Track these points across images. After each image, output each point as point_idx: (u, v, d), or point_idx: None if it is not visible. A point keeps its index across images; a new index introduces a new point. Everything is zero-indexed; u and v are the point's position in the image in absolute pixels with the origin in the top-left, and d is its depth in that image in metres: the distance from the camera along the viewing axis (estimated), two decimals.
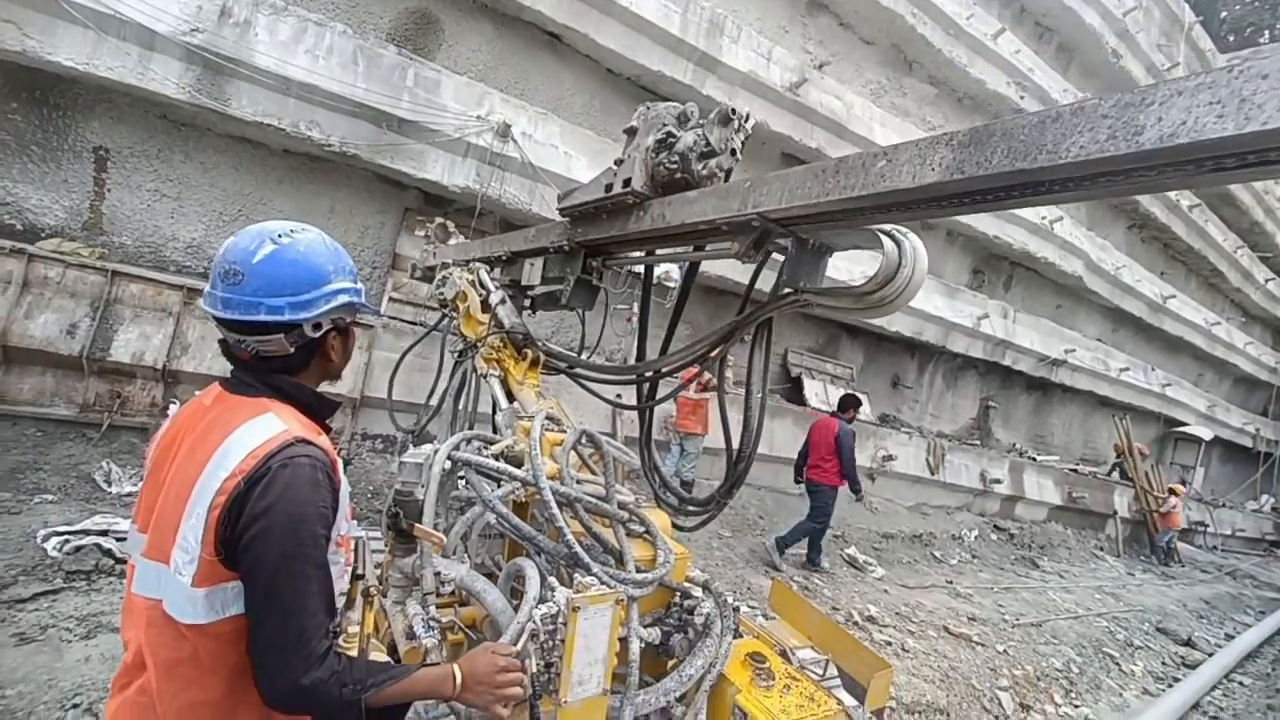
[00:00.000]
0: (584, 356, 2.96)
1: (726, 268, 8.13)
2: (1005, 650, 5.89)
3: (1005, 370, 13.53)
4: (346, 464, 6.01)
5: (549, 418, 2.14)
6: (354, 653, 1.39)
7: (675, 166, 1.84)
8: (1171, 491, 13.29)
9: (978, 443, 13.46)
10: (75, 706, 2.63)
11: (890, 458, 10.63)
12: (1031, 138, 0.99)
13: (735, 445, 2.08)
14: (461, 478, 1.95)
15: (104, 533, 3.86)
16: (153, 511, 1.18)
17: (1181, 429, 17.91)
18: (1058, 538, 12.13)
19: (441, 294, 3.01)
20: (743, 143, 1.88)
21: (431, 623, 1.56)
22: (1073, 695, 5.57)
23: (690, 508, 2.32)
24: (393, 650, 1.69)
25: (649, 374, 2.44)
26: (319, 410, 1.31)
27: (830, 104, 9.15)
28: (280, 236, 1.23)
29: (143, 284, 5.55)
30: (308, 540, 1.10)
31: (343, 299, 1.26)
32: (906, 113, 10.87)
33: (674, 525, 2.37)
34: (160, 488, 1.18)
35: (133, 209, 6.36)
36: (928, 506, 11.32)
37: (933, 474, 11.27)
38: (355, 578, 1.43)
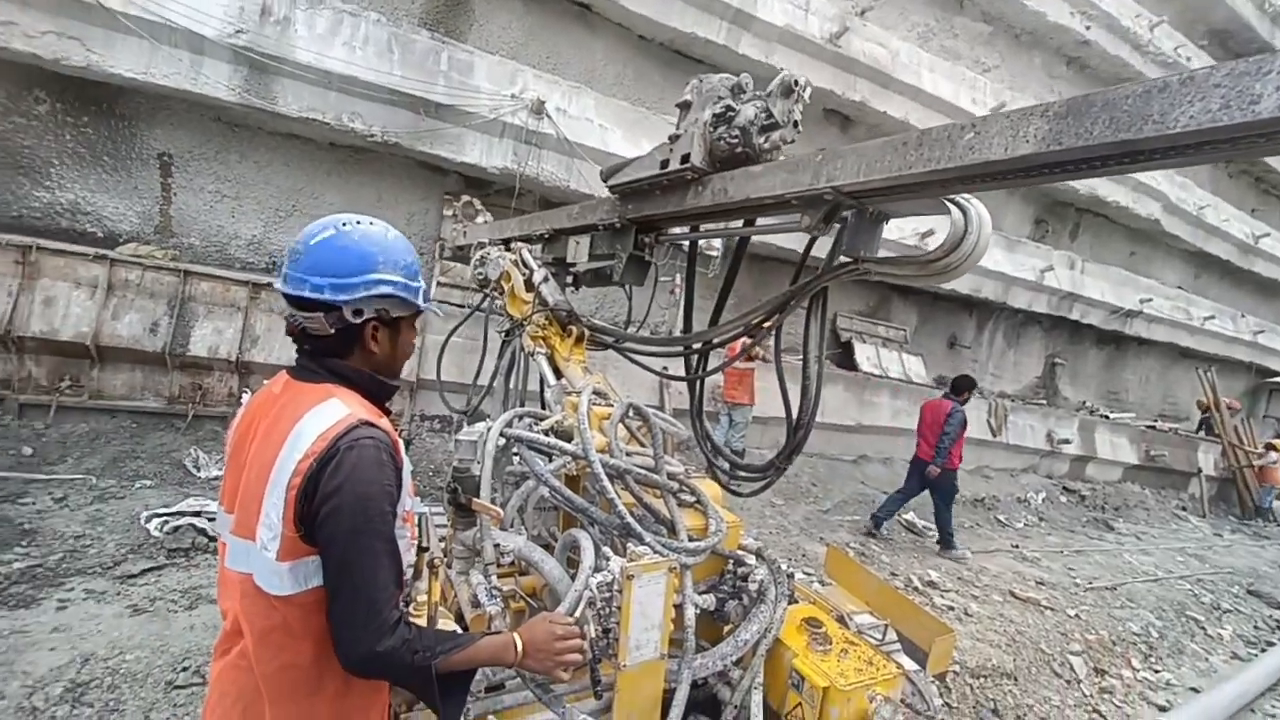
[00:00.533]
0: (631, 331, 2.97)
1: (773, 235, 7.94)
2: (1077, 614, 5.69)
3: (1073, 325, 12.77)
4: (408, 444, 6.28)
5: (596, 392, 2.17)
6: (423, 621, 1.47)
7: (736, 140, 1.80)
8: (1270, 447, 12.38)
9: (1044, 402, 12.84)
10: (185, 669, 2.90)
11: None
12: (1136, 108, 0.97)
13: (794, 413, 2.07)
14: (515, 453, 2.02)
15: (197, 514, 4.19)
16: (236, 493, 1.27)
17: (1276, 379, 16.55)
18: (1134, 498, 11.53)
19: (482, 274, 3.06)
20: (802, 112, 1.82)
21: (494, 591, 1.63)
22: (1152, 660, 5.35)
23: (746, 474, 2.32)
24: (459, 618, 1.78)
25: (698, 345, 2.43)
26: (378, 394, 1.37)
27: (874, 53, 8.66)
28: (344, 225, 1.30)
29: (212, 282, 5.89)
30: (375, 517, 1.16)
31: (384, 289, 1.27)
32: (958, 55, 10.19)
33: (731, 492, 2.38)
34: (241, 471, 1.27)
35: (197, 210, 6.72)
36: (990, 469, 10.94)
37: (994, 436, 10.85)
38: (420, 550, 1.50)
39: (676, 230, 2.40)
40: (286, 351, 5.87)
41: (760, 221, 2.06)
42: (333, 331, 1.28)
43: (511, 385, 3.09)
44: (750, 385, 7.51)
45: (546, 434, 1.93)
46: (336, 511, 1.13)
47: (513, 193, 7.35)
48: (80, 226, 6.27)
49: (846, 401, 9.39)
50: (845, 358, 10.36)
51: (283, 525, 1.15)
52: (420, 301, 1.35)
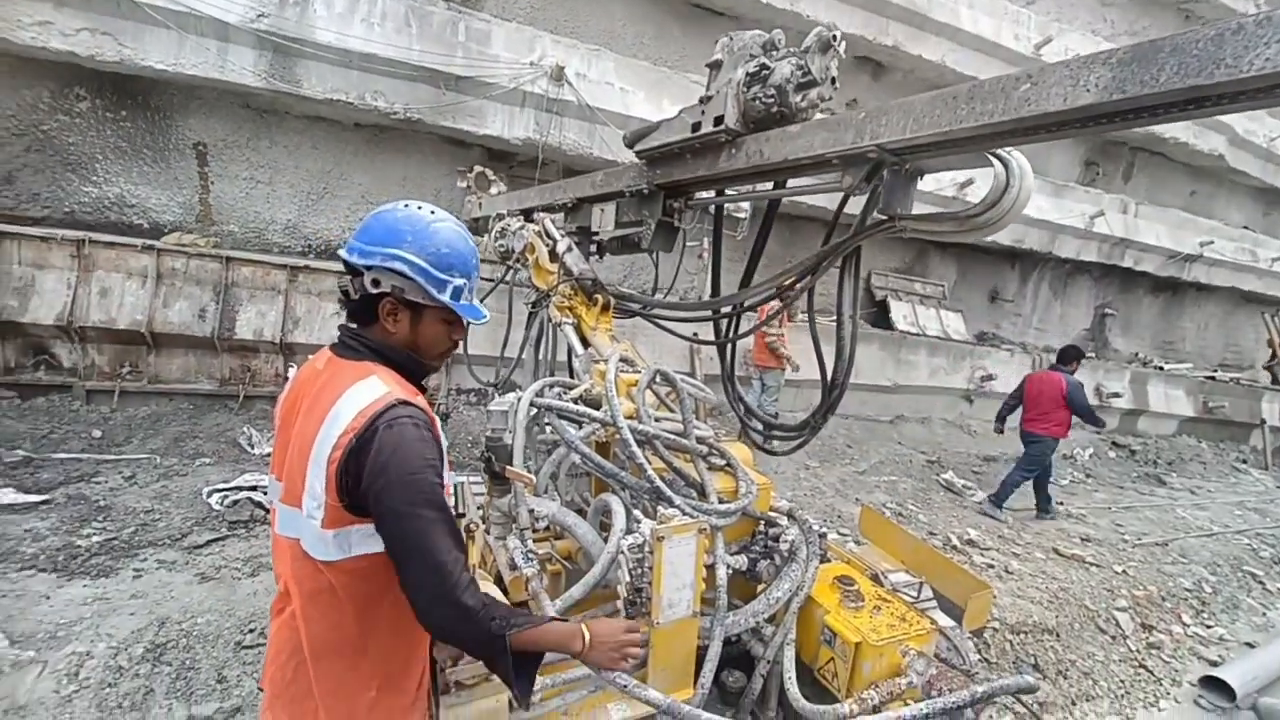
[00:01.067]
0: (659, 297, 2.96)
1: (806, 195, 7.73)
2: (1124, 570, 5.57)
3: (1125, 272, 12.14)
4: (445, 418, 6.49)
5: (623, 360, 2.18)
6: None
7: (772, 100, 1.74)
8: None
9: (1092, 355, 12.34)
10: (251, 630, 3.12)
11: (990, 377, 10.01)
12: (1207, 52, 0.93)
13: (828, 373, 2.06)
14: (546, 422, 2.06)
15: (254, 488, 4.44)
16: (284, 463, 1.34)
17: None
18: (1189, 452, 11.08)
19: (504, 246, 3.06)
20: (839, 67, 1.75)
21: (530, 555, 1.69)
22: (1204, 615, 5.23)
23: (781, 434, 2.32)
24: (499, 580, 1.86)
25: (727, 309, 2.41)
26: (415, 372, 1.41)
27: None
28: (402, 205, 1.37)
29: (253, 267, 6.09)
30: (426, 489, 1.21)
31: (398, 265, 1.29)
32: None
33: (765, 452, 2.39)
34: (288, 442, 1.34)
35: (234, 198, 6.90)
36: None
37: None
38: (458, 516, 1.56)
39: (706, 194, 2.35)
40: (326, 332, 6.07)
41: (794, 182, 2.01)
42: (356, 297, 1.33)
43: (541, 356, 3.12)
44: (780, 350, 7.42)
45: (576, 402, 1.96)
46: (387, 490, 1.17)
47: (536, 163, 7.31)
48: (128, 219, 6.53)
49: (882, 361, 9.21)
50: (880, 316, 10.12)
51: (325, 495, 1.21)
52: (445, 297, 1.34)
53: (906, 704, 1.53)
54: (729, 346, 2.63)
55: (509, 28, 6.81)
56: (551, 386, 2.11)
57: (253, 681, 2.87)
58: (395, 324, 1.35)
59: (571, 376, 2.42)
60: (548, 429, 2.16)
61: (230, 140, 6.75)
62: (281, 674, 1.33)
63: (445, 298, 1.34)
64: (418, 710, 1.44)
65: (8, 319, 5.25)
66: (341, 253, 1.35)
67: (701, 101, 1.96)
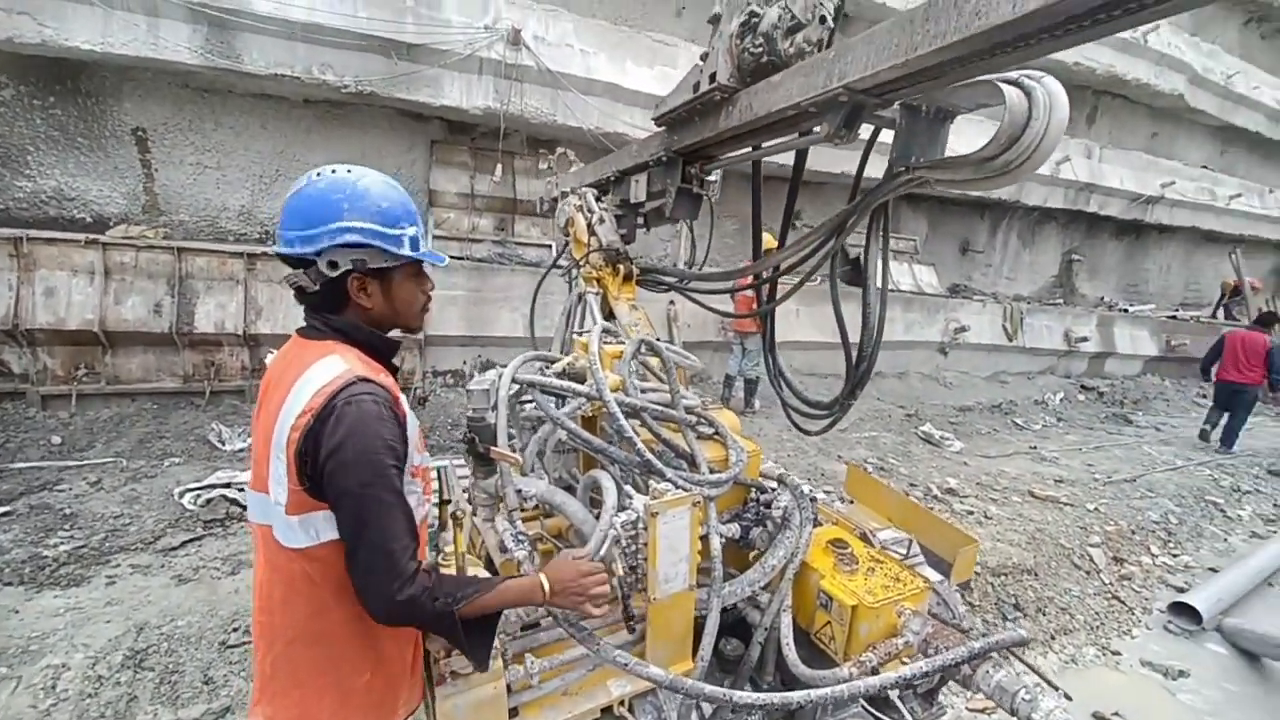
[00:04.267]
0: (692, 269, 2.88)
1: (831, 159, 7.66)
2: (1096, 508, 5.77)
3: (1090, 218, 12.34)
4: (423, 401, 6.37)
5: (606, 331, 2.12)
6: (452, 570, 1.50)
7: (761, 50, 1.63)
8: None
9: (1060, 301, 12.61)
10: (236, 629, 3.05)
11: (963, 329, 10.17)
12: None
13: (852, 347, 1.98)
14: (528, 399, 1.99)
15: (227, 485, 4.31)
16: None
17: None
18: (1154, 390, 11.48)
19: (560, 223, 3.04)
20: (836, 7, 1.61)
21: (520, 536, 1.65)
22: (1170, 545, 5.46)
23: (811, 412, 2.24)
24: (489, 564, 1.82)
25: (766, 274, 2.31)
26: (380, 350, 1.34)
27: None
28: (316, 175, 1.26)
29: (208, 256, 5.81)
30: (381, 470, 1.16)
31: (350, 237, 1.21)
32: None
33: (802, 431, 2.34)
34: (258, 426, 1.28)
35: (181, 185, 6.55)
36: (1007, 374, 10.89)
37: (1010, 340, 10.74)
38: (443, 503, 1.51)
39: (721, 156, 2.24)
40: (292, 320, 5.87)
41: (779, 140, 1.88)
42: (318, 287, 1.24)
43: (567, 327, 3.07)
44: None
45: (559, 377, 1.89)
46: (342, 468, 1.13)
47: (498, 134, 7.06)
48: (69, 213, 6.16)
49: (859, 318, 9.28)
50: (855, 274, 10.16)
51: (287, 480, 1.16)
52: (406, 250, 1.28)
53: (904, 663, 1.54)
54: (769, 316, 2.50)
55: None
56: (532, 361, 2.04)
57: (241, 680, 2.81)
58: (369, 298, 1.29)
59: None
60: (529, 405, 2.10)
61: (171, 124, 6.37)
62: (262, 669, 1.30)
63: (406, 251, 1.28)
64: (414, 686, 1.44)
65: None
66: (278, 248, 1.26)
67: (702, 59, 1.86)
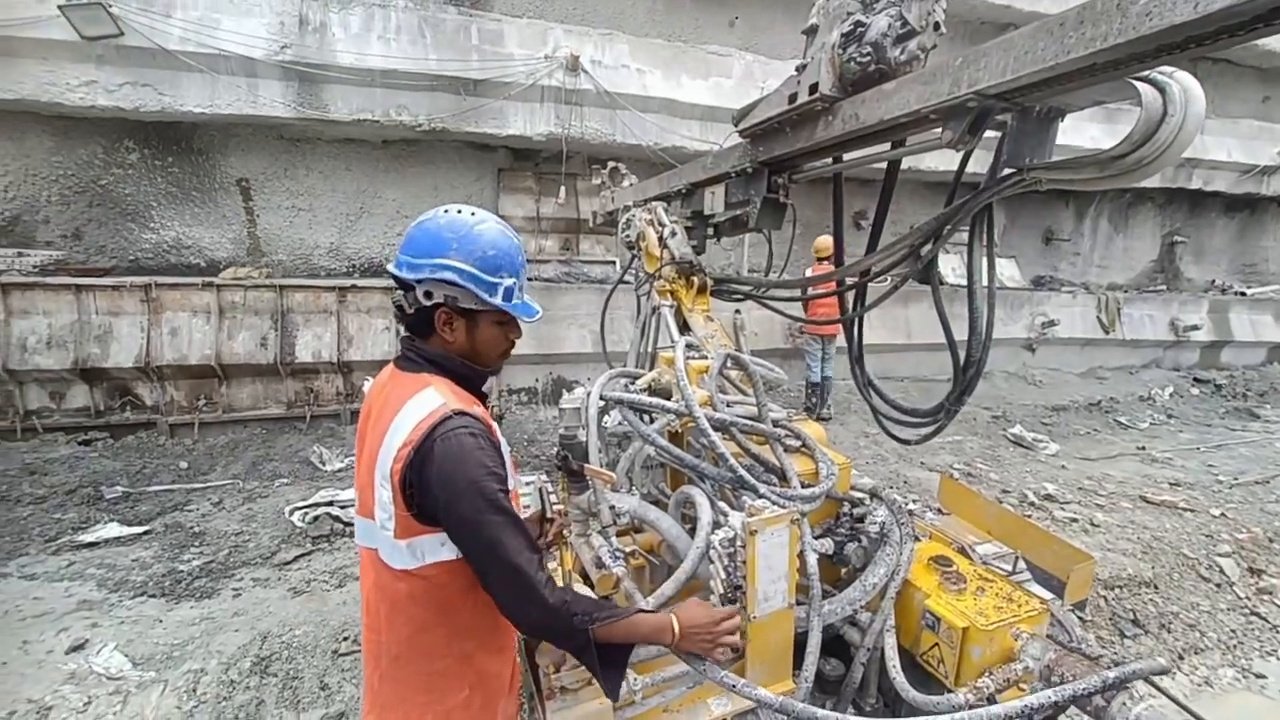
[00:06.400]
0: (771, 276, 2.88)
1: (914, 157, 7.49)
2: (1222, 513, 5.23)
3: (1193, 195, 11.28)
4: (500, 419, 6.61)
5: (689, 345, 2.15)
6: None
7: (868, 58, 1.63)
8: None
9: (1163, 288, 11.58)
10: (345, 638, 3.26)
11: (1051, 323, 9.53)
12: None
13: (954, 350, 1.93)
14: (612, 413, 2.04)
15: (330, 503, 4.63)
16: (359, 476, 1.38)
17: None
18: None
19: (628, 236, 3.10)
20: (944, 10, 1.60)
21: (617, 553, 1.69)
22: None
23: (912, 420, 2.17)
24: (585, 578, 1.87)
25: (853, 280, 2.25)
26: (472, 380, 1.41)
27: None
28: (443, 211, 1.34)
29: (304, 292, 6.29)
30: (490, 495, 1.21)
31: (447, 275, 1.27)
32: None
33: (896, 439, 2.26)
34: (361, 455, 1.37)
35: (279, 227, 7.15)
36: (1104, 370, 10.09)
37: (1107, 332, 9.95)
38: (546, 521, 1.56)
39: (811, 166, 2.24)
40: (379, 348, 6.25)
41: (909, 140, 1.84)
42: (412, 311, 1.32)
43: (642, 341, 3.11)
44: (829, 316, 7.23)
45: (645, 393, 1.93)
46: (455, 500, 1.19)
47: (561, 158, 7.29)
48: (185, 259, 6.85)
49: (932, 320, 8.88)
50: (927, 272, 9.73)
51: (394, 507, 1.23)
52: (497, 299, 1.32)
53: (1022, 690, 1.46)
54: (857, 323, 2.43)
55: (520, 24, 6.78)
56: (616, 378, 2.09)
57: (351, 687, 3.00)
58: (452, 333, 1.35)
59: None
60: (616, 421, 2.15)
61: (269, 172, 6.98)
62: (370, 684, 1.37)
63: (497, 301, 1.32)
64: (511, 703, 1.48)
65: (93, 365, 5.60)
66: (390, 268, 1.34)
67: (798, 70, 1.87)
